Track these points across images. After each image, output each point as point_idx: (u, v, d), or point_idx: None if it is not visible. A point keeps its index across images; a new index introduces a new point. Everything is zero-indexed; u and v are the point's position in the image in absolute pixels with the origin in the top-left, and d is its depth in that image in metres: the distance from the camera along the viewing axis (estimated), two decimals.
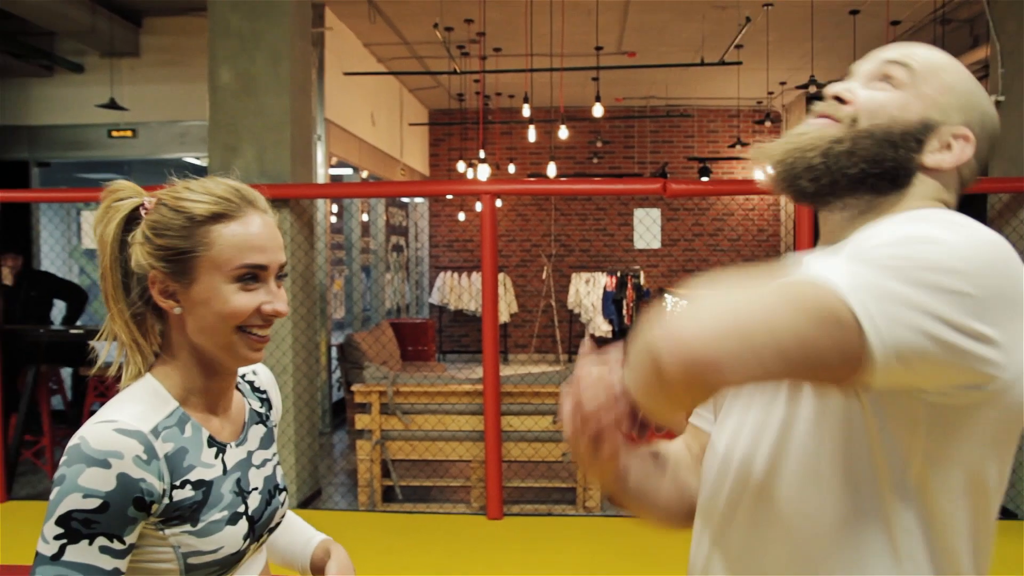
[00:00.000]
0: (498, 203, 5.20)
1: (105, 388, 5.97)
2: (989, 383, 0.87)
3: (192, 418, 1.18)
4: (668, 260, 12.14)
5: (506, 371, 6.83)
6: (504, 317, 11.80)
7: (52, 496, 1.05)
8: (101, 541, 1.04)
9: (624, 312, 11.79)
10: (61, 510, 1.03)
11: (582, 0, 7.18)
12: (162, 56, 7.29)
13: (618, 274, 11.84)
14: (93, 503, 1.04)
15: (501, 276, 11.80)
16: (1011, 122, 5.04)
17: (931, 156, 1.03)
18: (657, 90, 10.81)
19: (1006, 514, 4.96)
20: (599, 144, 11.98)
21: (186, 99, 7.07)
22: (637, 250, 12.14)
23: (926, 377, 0.86)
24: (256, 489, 1.24)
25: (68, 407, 6.65)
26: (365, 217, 9.60)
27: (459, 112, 11.40)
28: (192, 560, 1.13)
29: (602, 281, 11.81)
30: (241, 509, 1.19)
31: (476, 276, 11.68)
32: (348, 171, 8.93)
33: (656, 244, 12.09)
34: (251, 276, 1.16)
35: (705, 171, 10.93)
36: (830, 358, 0.82)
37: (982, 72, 6.65)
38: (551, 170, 9.03)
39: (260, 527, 1.23)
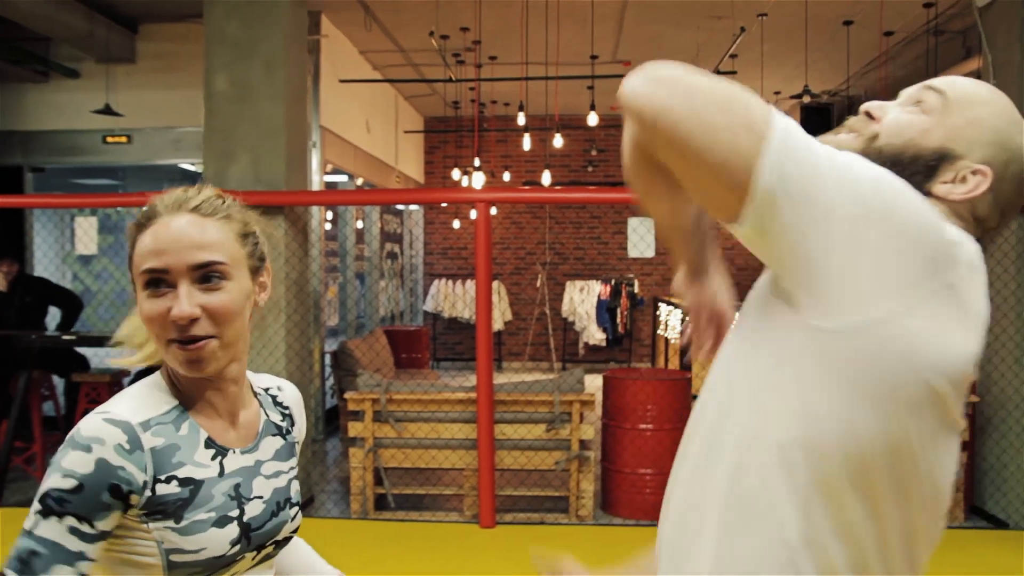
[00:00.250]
0: (493, 211, 5.21)
1: (97, 395, 5.96)
2: (818, 307, 0.91)
3: (191, 418, 1.19)
4: (662, 269, 12.15)
5: (500, 379, 6.83)
6: (498, 325, 11.80)
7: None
8: (70, 521, 1.06)
9: (618, 320, 11.80)
10: (43, 488, 1.07)
11: (578, 9, 7.20)
12: (158, 62, 7.29)
13: (612, 282, 11.85)
14: (69, 483, 1.06)
15: (495, 284, 11.81)
16: None
17: (942, 186, 1.04)
18: None
19: (996, 523, 4.97)
20: (594, 152, 12.00)
21: (182, 105, 7.07)
22: (631, 258, 12.15)
23: (779, 241, 0.91)
24: (260, 498, 1.23)
25: (60, 413, 6.63)
26: (360, 224, 9.60)
27: (454, 120, 11.42)
28: (174, 558, 1.13)
29: (596, 289, 11.83)
30: (234, 513, 1.18)
31: (470, 284, 11.68)
32: (343, 178, 8.93)
33: (650, 253, 12.09)
34: (154, 282, 1.14)
35: None
36: (729, 157, 0.88)
37: None
38: (546, 178, 9.05)
39: (260, 536, 1.21)
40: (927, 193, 1.03)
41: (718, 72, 7.82)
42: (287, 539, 1.29)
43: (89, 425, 1.10)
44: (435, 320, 12.18)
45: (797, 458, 0.95)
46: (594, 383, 6.03)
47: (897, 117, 1.06)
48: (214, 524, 1.16)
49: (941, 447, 0.96)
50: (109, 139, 7.37)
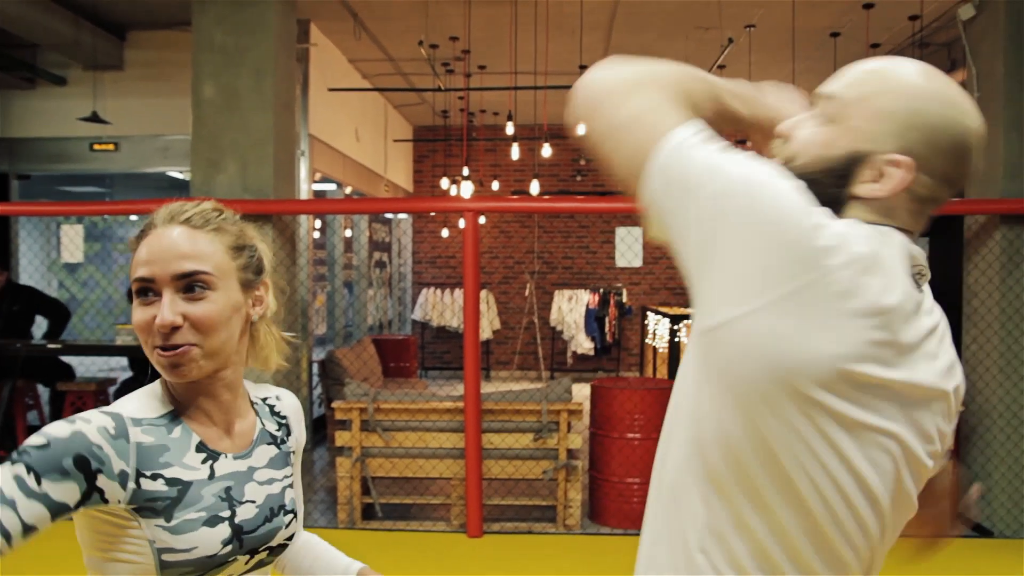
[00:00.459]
0: (481, 220, 5.22)
1: (83, 404, 5.92)
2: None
3: (185, 423, 1.22)
4: (650, 278, 12.18)
5: (488, 388, 6.82)
6: (486, 334, 11.80)
7: None
8: (18, 469, 1.06)
9: (606, 330, 11.82)
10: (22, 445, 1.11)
11: (566, 19, 7.23)
12: (146, 70, 7.27)
13: (600, 291, 11.87)
14: (38, 441, 1.08)
15: (484, 293, 11.81)
16: (987, 145, 5.11)
17: (864, 187, 1.03)
18: None
19: (981, 531, 4.99)
20: (582, 162, 12.03)
21: (169, 113, 7.05)
22: (619, 268, 12.18)
23: (672, 244, 0.99)
24: (253, 502, 1.24)
25: (45, 423, 6.58)
26: (348, 233, 9.60)
27: (443, 129, 11.42)
28: (166, 557, 1.15)
29: (585, 298, 11.84)
30: (224, 514, 1.20)
31: (459, 293, 11.68)
32: (332, 187, 8.92)
33: (638, 262, 12.13)
34: (143, 291, 1.18)
35: None
36: (628, 176, 0.99)
37: None
38: (534, 188, 9.06)
39: (253, 540, 1.23)
40: (852, 197, 1.04)
41: None
42: (282, 546, 1.30)
43: (84, 411, 1.15)
44: (423, 329, 12.17)
45: (693, 454, 1.01)
46: (582, 392, 6.04)
47: (803, 134, 1.07)
48: (204, 524, 1.17)
49: (843, 445, 0.94)
50: (96, 147, 7.34)
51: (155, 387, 1.25)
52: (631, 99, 1.01)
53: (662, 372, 9.37)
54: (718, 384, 0.96)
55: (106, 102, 7.07)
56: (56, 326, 6.49)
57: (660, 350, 9.56)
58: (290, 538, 1.32)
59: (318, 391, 7.66)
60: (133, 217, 11.86)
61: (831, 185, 1.04)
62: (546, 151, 8.52)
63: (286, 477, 1.33)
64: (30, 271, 7.96)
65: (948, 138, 1.03)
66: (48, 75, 7.20)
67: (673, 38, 7.86)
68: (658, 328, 9.72)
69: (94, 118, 6.79)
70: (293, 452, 1.38)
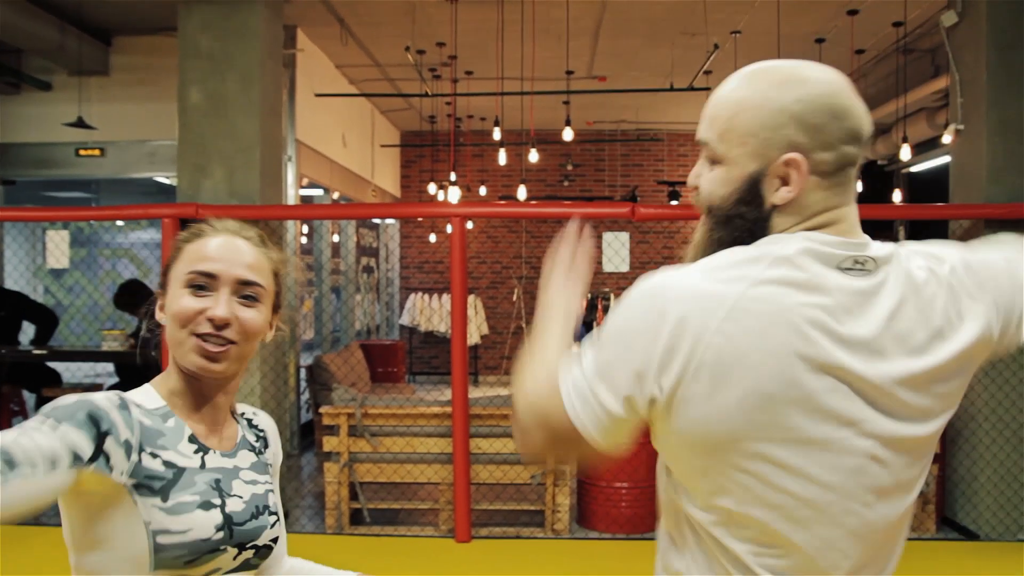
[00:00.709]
0: (469, 225, 5.22)
1: None
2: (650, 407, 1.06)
3: (177, 417, 1.28)
4: None
5: (476, 393, 6.82)
6: (474, 339, 11.79)
7: None
8: (35, 420, 1.10)
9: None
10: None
11: (553, 25, 7.25)
12: (132, 75, 7.24)
13: (589, 297, 11.89)
14: (51, 405, 1.13)
15: (471, 298, 11.80)
16: (970, 150, 5.16)
17: (775, 196, 1.08)
18: (627, 114, 10.92)
19: (967, 534, 5.02)
20: (570, 167, 12.06)
21: (155, 118, 7.03)
22: (607, 273, 12.20)
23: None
24: (240, 497, 1.29)
25: None
26: (336, 238, 9.58)
27: (430, 134, 11.43)
28: (161, 539, 1.17)
29: None
30: (216, 501, 1.24)
31: (446, 298, 11.67)
32: (319, 192, 8.91)
33: (625, 267, 12.16)
34: (200, 284, 1.27)
35: (675, 195, 11.03)
36: (574, 440, 1.07)
37: (943, 101, 6.81)
38: (521, 193, 9.07)
39: (241, 533, 1.26)
40: (773, 208, 1.08)
41: (692, 88, 7.89)
42: (267, 548, 1.32)
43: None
44: (411, 334, 12.15)
45: None
46: None
47: (706, 183, 1.13)
48: (199, 507, 1.22)
49: (797, 456, 1.03)
50: (82, 152, 7.31)
51: (147, 387, 1.30)
52: (538, 401, 1.12)
53: None
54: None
55: (92, 107, 7.04)
56: (44, 332, 6.45)
57: None
58: (274, 540, 1.34)
59: (305, 396, 7.64)
60: (119, 223, 11.82)
61: (749, 212, 1.09)
62: (533, 156, 8.53)
63: (268, 483, 1.38)
64: (15, 277, 7.91)
65: (813, 110, 1.05)
66: (33, 80, 7.16)
67: (659, 44, 7.90)
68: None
69: (80, 123, 6.76)
70: (271, 465, 1.43)
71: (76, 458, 1.08)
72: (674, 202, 10.87)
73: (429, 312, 11.93)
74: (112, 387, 6.45)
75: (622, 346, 1.06)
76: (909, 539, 1.21)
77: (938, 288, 1.09)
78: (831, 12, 6.92)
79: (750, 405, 1.00)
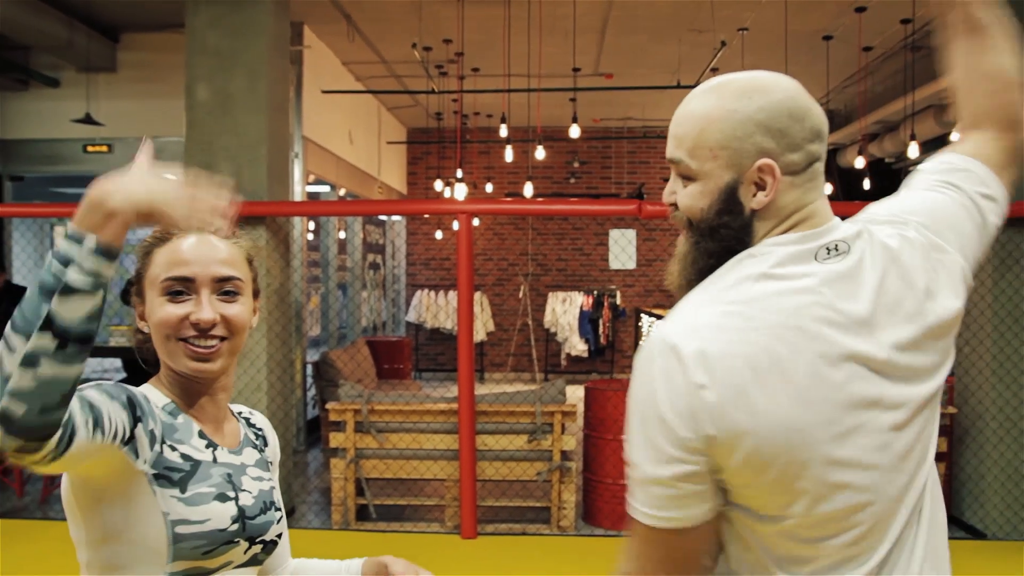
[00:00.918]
0: (475, 222, 5.22)
1: None
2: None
3: (184, 413, 1.29)
4: (643, 280, 12.20)
5: (482, 390, 6.83)
6: (480, 336, 11.79)
7: None
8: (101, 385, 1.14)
9: (600, 331, 11.83)
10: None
11: (560, 22, 7.24)
12: (139, 72, 7.26)
13: (594, 293, 11.88)
14: (103, 382, 1.16)
15: (477, 295, 11.81)
16: None
17: (753, 201, 1.11)
18: (634, 111, 10.91)
19: (974, 533, 5.01)
20: (576, 164, 12.05)
21: (162, 115, 7.04)
22: (613, 270, 12.20)
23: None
24: (249, 492, 1.30)
25: None
26: (342, 235, 9.59)
27: (437, 131, 11.43)
28: (179, 529, 1.18)
29: (578, 300, 11.85)
30: (231, 494, 1.26)
31: (453, 294, 11.68)
32: (325, 188, 8.91)
33: (632, 264, 12.15)
34: (178, 289, 1.26)
35: None
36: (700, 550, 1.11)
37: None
38: (528, 190, 9.07)
39: (253, 527, 1.27)
40: (752, 213, 1.11)
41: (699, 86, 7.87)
42: (273, 543, 1.33)
43: None
44: (417, 331, 12.16)
45: None
46: (576, 394, 6.04)
47: (683, 200, 1.15)
48: (216, 498, 1.23)
49: (844, 449, 1.08)
50: (90, 148, 7.33)
51: (149, 386, 1.31)
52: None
53: None
54: None
55: (99, 104, 7.06)
56: None
57: None
58: (279, 536, 1.35)
59: (312, 392, 7.66)
60: None
61: (730, 220, 1.12)
62: (540, 153, 8.53)
63: (271, 479, 1.39)
64: (24, 272, 7.94)
65: (776, 116, 1.10)
66: (41, 77, 7.18)
67: (666, 41, 7.88)
68: (652, 330, 9.73)
69: (87, 120, 6.78)
70: (271, 462, 1.45)
71: (119, 430, 1.11)
72: None
73: (435, 309, 11.94)
74: (119, 383, 6.48)
75: (650, 416, 1.08)
76: None
77: (912, 251, 1.15)
78: (839, 9, 6.90)
79: (791, 418, 1.04)
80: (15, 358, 0.93)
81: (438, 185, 10.45)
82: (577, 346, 11.79)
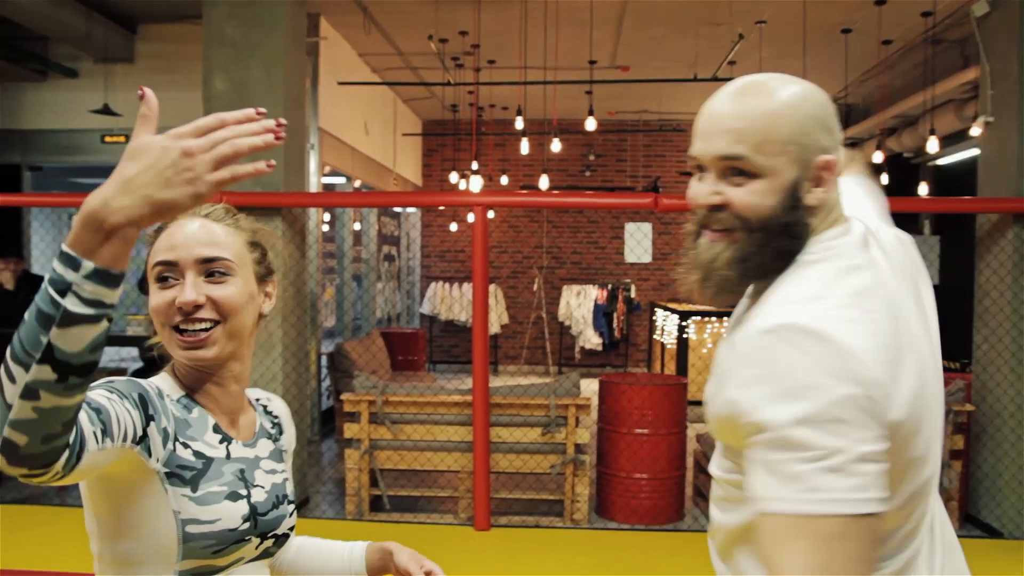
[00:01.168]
0: (490, 214, 5.22)
1: None
2: None
3: (199, 406, 1.28)
4: (659, 274, 12.17)
5: (496, 382, 6.83)
6: (495, 328, 11.80)
7: None
8: (111, 396, 1.11)
9: (615, 325, 11.81)
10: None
11: (576, 14, 7.22)
12: (157, 63, 7.29)
13: (609, 287, 11.86)
14: (116, 379, 1.16)
15: (492, 287, 11.81)
16: (1001, 142, 5.09)
17: (811, 197, 1.13)
18: (650, 104, 10.86)
19: (991, 532, 4.98)
20: (592, 157, 12.02)
21: (180, 106, 6.96)
22: (628, 264, 12.17)
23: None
24: (262, 487, 1.29)
25: None
26: (357, 226, 9.60)
27: (452, 123, 11.43)
28: (190, 528, 1.18)
29: (593, 294, 11.83)
30: (243, 492, 1.24)
31: (467, 287, 11.69)
32: (341, 180, 8.93)
33: (647, 258, 12.12)
34: (165, 275, 1.24)
35: None
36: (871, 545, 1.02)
37: (972, 93, 6.72)
38: (543, 182, 9.05)
39: (265, 523, 1.26)
40: (805, 209, 1.12)
41: (716, 79, 7.84)
42: (285, 536, 1.33)
43: None
44: (431, 323, 12.18)
45: None
46: (590, 387, 6.04)
47: (740, 196, 1.12)
48: (227, 497, 1.22)
49: (935, 416, 1.17)
50: (108, 139, 7.36)
51: (164, 376, 1.30)
52: None
53: (670, 368, 9.36)
54: None
55: (117, 94, 7.10)
56: None
57: (668, 346, 9.55)
58: (291, 528, 1.35)
59: (327, 383, 7.69)
60: None
61: (794, 217, 1.12)
62: (555, 146, 8.51)
63: (284, 471, 1.38)
64: (42, 262, 8.00)
65: (828, 115, 1.14)
66: (60, 67, 7.22)
67: (684, 34, 7.84)
68: (666, 324, 9.71)
69: (105, 110, 6.81)
70: (285, 451, 1.44)
71: (131, 430, 1.11)
72: None
73: (450, 301, 11.95)
74: (136, 372, 6.52)
75: (848, 396, 1.00)
76: None
77: (898, 243, 1.25)
78: (858, 2, 6.84)
79: (923, 392, 1.09)
80: (16, 389, 0.88)
81: (453, 177, 10.46)
82: (591, 339, 11.78)
